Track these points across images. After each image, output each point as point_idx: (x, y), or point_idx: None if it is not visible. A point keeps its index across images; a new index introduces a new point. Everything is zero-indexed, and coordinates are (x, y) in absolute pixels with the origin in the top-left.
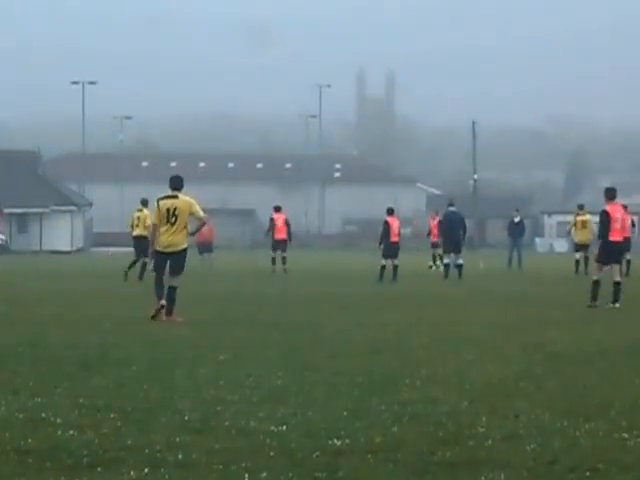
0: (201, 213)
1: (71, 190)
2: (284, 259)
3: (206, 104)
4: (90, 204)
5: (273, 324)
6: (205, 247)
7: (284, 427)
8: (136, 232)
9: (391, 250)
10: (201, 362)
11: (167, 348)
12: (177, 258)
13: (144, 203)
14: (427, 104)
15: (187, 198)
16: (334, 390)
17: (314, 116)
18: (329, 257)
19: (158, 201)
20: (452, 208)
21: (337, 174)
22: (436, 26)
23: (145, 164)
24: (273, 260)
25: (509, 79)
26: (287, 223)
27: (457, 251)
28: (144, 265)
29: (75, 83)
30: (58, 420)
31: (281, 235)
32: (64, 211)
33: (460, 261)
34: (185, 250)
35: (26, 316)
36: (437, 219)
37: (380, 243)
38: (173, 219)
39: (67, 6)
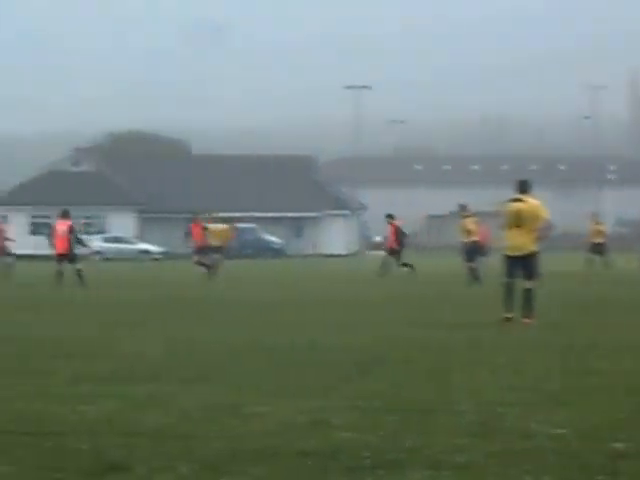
0: (546, 216)
1: (345, 194)
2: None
3: (478, 106)
4: (364, 207)
5: (552, 326)
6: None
7: (564, 430)
8: (467, 239)
9: None
10: (479, 365)
11: (444, 351)
12: (527, 261)
13: (463, 208)
14: None
15: (533, 201)
16: (614, 393)
17: (588, 117)
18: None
19: (505, 204)
20: None
21: (611, 175)
22: None
23: (418, 167)
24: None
25: None
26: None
27: None
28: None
29: (349, 88)
30: (338, 422)
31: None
32: (337, 215)
33: None
34: (535, 253)
35: (298, 320)
36: None
37: None
38: (519, 222)
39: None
